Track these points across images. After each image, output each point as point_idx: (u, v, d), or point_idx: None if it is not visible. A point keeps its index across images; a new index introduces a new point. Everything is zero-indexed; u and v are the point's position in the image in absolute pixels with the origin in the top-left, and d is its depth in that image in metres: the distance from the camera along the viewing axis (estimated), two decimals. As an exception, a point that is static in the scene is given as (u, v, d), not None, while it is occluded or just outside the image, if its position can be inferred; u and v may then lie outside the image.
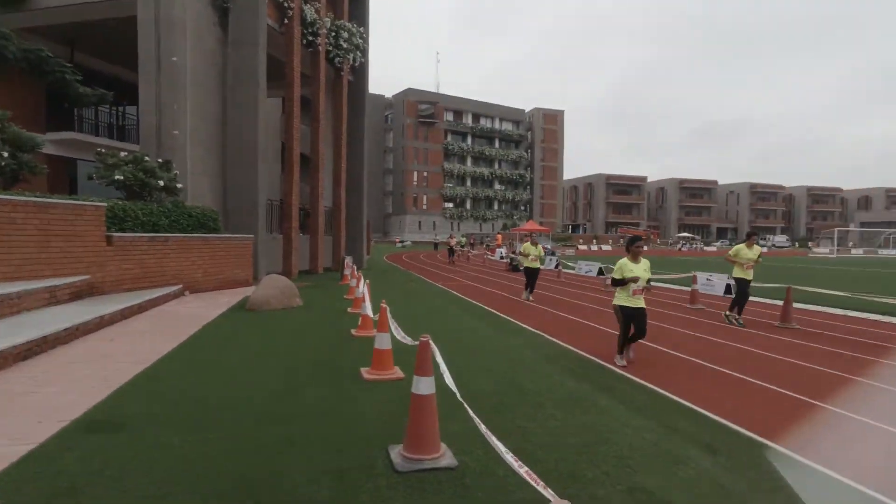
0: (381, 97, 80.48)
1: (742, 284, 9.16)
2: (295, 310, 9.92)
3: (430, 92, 79.30)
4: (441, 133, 78.92)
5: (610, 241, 71.57)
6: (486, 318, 9.58)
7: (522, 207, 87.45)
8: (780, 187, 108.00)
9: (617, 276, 6.04)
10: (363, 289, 8.21)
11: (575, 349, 7.01)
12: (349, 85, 21.62)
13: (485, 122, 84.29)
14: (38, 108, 16.64)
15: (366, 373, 5.34)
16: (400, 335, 4.96)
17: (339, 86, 20.92)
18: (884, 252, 56.46)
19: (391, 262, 28.42)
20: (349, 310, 9.93)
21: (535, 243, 12.43)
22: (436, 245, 48.25)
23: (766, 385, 5.48)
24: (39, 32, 16.14)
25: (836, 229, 60.51)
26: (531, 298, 12.24)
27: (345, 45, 19.92)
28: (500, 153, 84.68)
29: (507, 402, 4.69)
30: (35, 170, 10.00)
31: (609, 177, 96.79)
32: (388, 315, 5.39)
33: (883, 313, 10.81)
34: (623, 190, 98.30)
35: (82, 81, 15.23)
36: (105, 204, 9.71)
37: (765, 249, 59.59)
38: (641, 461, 3.52)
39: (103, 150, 11.47)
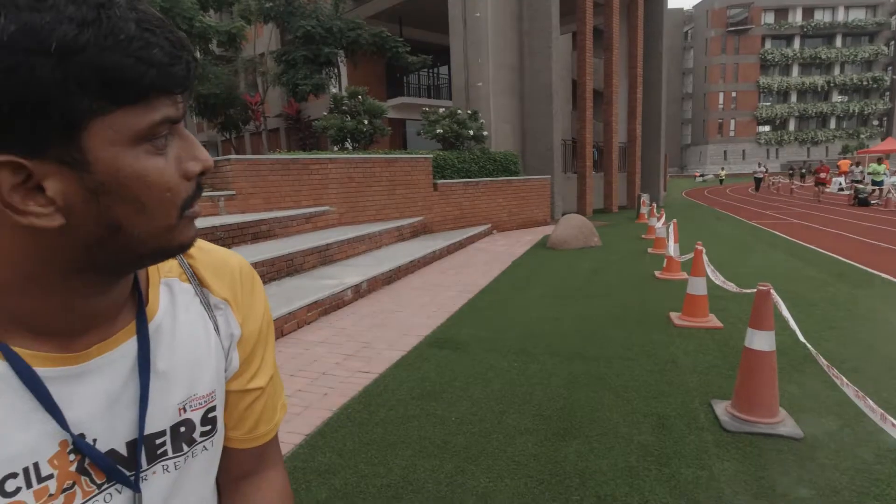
0: (677, 11, 70.85)
1: None
2: (593, 249, 9.99)
3: (742, -7, 65.57)
4: (756, 41, 65.00)
5: None
6: (829, 267, 7.86)
7: (876, 122, 66.52)
8: None
9: None
10: (668, 228, 7.65)
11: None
12: (644, 2, 19.66)
13: (821, 17, 65.58)
14: (381, 80, 20.41)
15: (676, 318, 5.04)
16: (719, 280, 4.45)
17: (633, 7, 19.25)
18: None
19: (690, 199, 25.76)
20: (649, 250, 9.47)
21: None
22: (757, 181, 31.18)
23: None
24: (377, 17, 19.51)
25: None
26: None
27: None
28: (844, 53, 64.93)
29: (864, 368, 3.80)
30: (384, 132, 12.40)
31: None
32: (704, 258, 4.90)
33: None
34: None
35: (409, 52, 17.90)
36: (431, 155, 11.45)
37: None
38: None
39: (427, 109, 13.35)
